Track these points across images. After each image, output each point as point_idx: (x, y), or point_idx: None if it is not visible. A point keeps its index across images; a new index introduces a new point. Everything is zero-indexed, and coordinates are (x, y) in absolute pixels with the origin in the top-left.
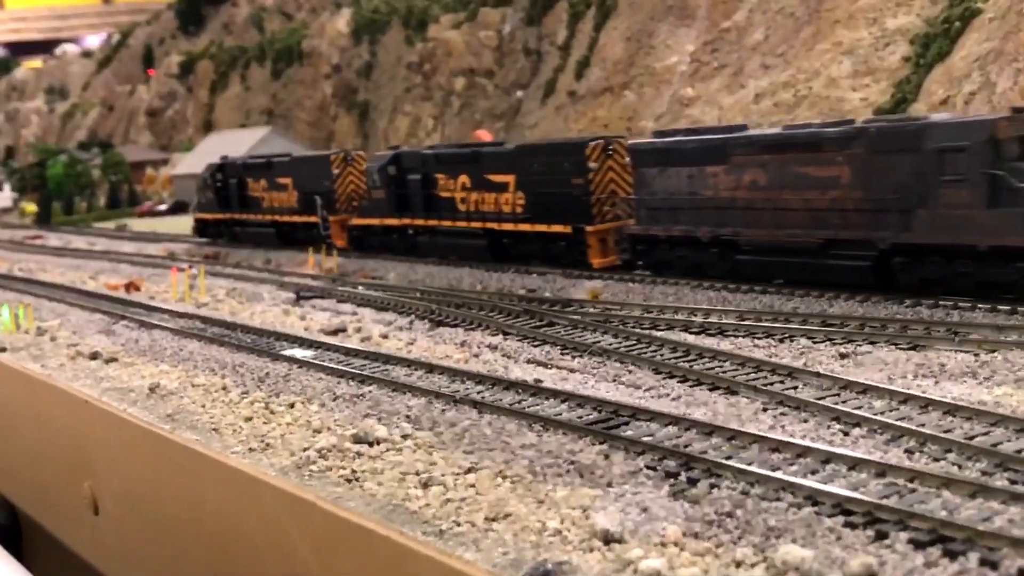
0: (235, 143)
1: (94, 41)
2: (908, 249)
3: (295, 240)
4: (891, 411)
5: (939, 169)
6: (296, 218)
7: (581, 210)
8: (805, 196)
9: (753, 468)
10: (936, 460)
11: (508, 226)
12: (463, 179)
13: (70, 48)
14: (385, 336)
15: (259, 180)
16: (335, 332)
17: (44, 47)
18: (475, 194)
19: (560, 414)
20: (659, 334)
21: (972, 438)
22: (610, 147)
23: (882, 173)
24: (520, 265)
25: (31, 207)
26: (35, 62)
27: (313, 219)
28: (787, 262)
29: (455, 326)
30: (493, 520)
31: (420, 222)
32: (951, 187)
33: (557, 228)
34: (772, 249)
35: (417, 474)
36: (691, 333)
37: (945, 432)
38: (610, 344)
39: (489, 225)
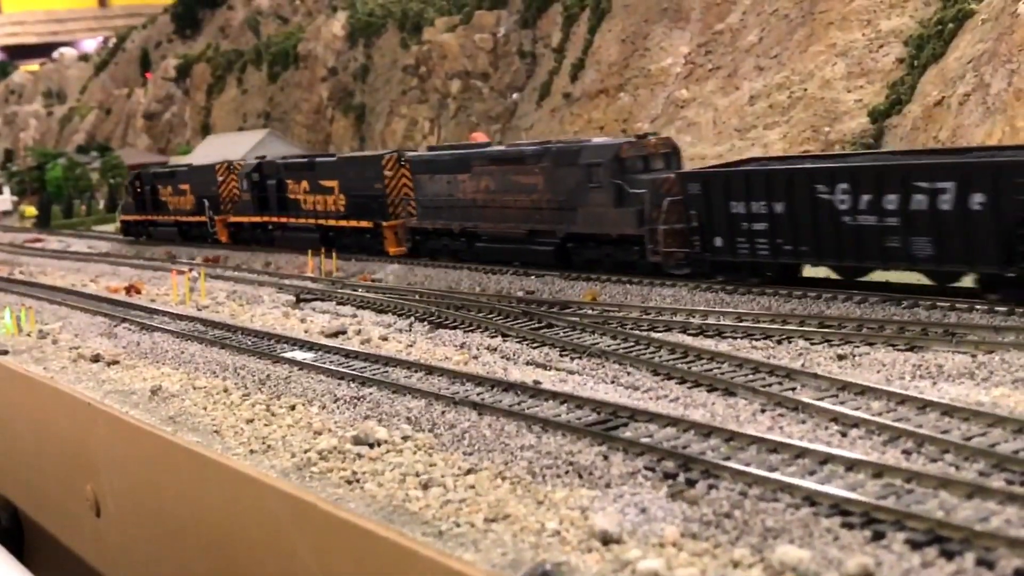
0: (232, 146)
1: (91, 45)
2: (575, 237)
3: (192, 236)
4: (889, 412)
5: (589, 179)
6: (193, 218)
7: (381, 209)
8: (517, 198)
9: (751, 469)
10: (933, 461)
11: (332, 222)
12: (304, 184)
13: (67, 52)
14: (385, 338)
15: (166, 187)
16: (335, 334)
17: (41, 51)
18: (312, 196)
19: (559, 415)
20: (657, 335)
21: (969, 439)
22: (402, 159)
23: (560, 181)
24: (517, 267)
25: (31, 210)
26: (33, 66)
27: (203, 219)
28: (507, 247)
29: (454, 328)
30: (492, 521)
31: (275, 219)
32: (595, 192)
33: (364, 223)
34: (497, 238)
35: (417, 475)
36: (689, 334)
37: (943, 433)
38: (609, 346)
39: (320, 222)
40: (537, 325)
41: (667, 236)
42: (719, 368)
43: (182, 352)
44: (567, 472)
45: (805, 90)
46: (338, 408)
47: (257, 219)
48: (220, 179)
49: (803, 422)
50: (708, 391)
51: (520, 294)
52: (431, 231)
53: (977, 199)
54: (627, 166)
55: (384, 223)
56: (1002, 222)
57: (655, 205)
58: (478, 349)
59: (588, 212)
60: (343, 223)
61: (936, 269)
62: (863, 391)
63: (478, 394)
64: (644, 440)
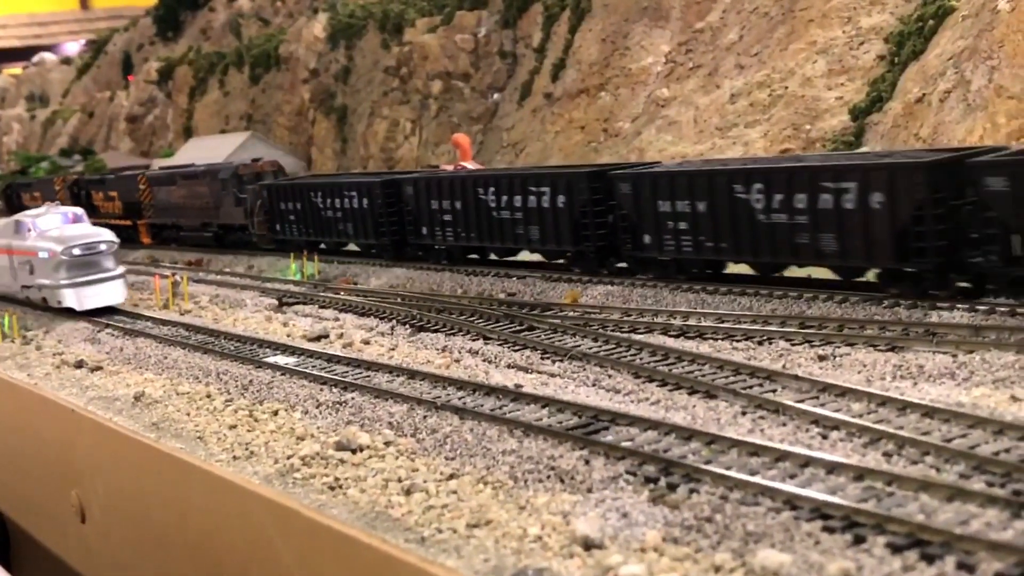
0: (215, 148)
1: (73, 48)
2: (221, 227)
3: (121, 238)
4: (869, 414)
5: (223, 188)
6: (121, 221)
7: (138, 211)
8: (196, 202)
9: (732, 473)
10: (914, 463)
11: (114, 221)
12: (100, 194)
13: (48, 55)
14: (367, 342)
15: (99, 193)
16: (317, 338)
17: (23, 54)
18: (104, 202)
19: (540, 419)
20: (638, 337)
21: (950, 440)
22: (138, 176)
23: (212, 190)
24: (500, 269)
25: None
26: (15, 69)
27: (130, 222)
28: (194, 235)
29: (436, 331)
30: (475, 526)
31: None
32: (225, 197)
33: (127, 222)
34: (189, 229)
35: (399, 481)
36: (670, 336)
37: (923, 435)
38: (590, 348)
39: (111, 221)
40: (519, 328)
41: (259, 225)
42: (700, 370)
43: (165, 357)
44: (549, 477)
45: (786, 88)
46: (320, 413)
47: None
48: (142, 187)
49: (784, 424)
50: (689, 393)
51: (502, 296)
52: (160, 226)
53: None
54: (243, 180)
55: (139, 221)
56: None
57: (253, 204)
58: (460, 352)
59: (223, 210)
60: (119, 221)
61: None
62: (844, 392)
63: (460, 398)
64: (625, 444)
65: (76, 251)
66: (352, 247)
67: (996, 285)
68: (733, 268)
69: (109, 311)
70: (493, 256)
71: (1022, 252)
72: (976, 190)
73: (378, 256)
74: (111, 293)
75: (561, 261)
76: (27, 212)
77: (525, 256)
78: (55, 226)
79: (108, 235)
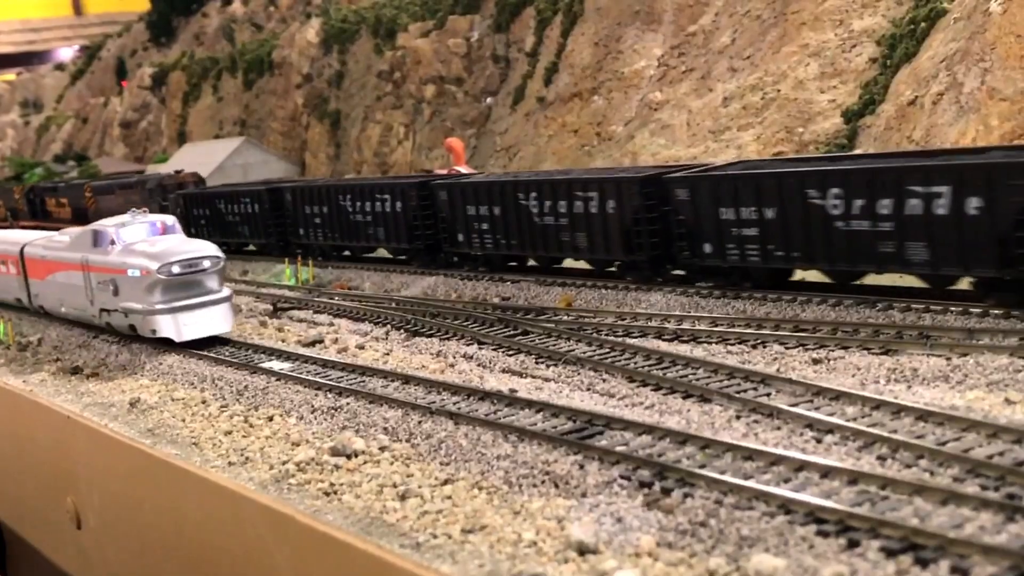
0: (209, 154)
1: (67, 53)
2: None
3: None
4: (863, 417)
5: (151, 196)
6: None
7: (84, 216)
8: (129, 207)
9: (726, 477)
10: (908, 467)
11: (63, 225)
12: (52, 200)
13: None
14: (361, 347)
15: (51, 199)
16: (312, 344)
17: (17, 60)
18: (55, 208)
19: (535, 424)
20: (632, 341)
21: (944, 444)
22: (84, 185)
23: (145, 196)
24: (494, 273)
25: None
26: (9, 75)
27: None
28: None
29: (430, 336)
30: (469, 532)
31: (42, 224)
32: (152, 203)
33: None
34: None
35: (394, 486)
36: (664, 340)
37: (917, 438)
38: (584, 352)
39: (55, 224)
40: (513, 332)
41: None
42: (694, 374)
43: (160, 363)
44: (543, 482)
45: (778, 91)
46: (315, 419)
47: (37, 223)
48: (87, 195)
49: (778, 428)
50: (683, 397)
51: (496, 300)
52: None
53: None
54: (166, 189)
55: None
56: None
57: (174, 211)
58: (454, 357)
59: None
60: (69, 225)
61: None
62: (838, 396)
63: (455, 403)
64: (619, 448)
65: (175, 269)
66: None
67: None
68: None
69: (211, 341)
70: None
71: None
72: None
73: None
74: (216, 321)
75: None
76: (107, 221)
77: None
78: (143, 238)
79: (211, 249)
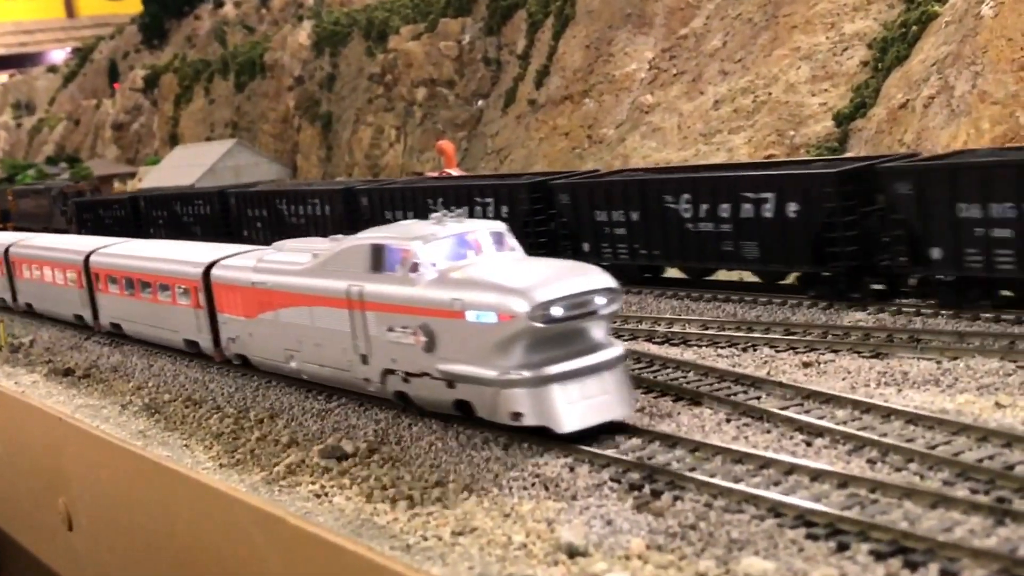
0: (201, 156)
1: (59, 55)
2: (55, 230)
3: None
4: (854, 420)
5: (54, 202)
6: None
7: (9, 216)
8: (43, 213)
9: (716, 480)
10: (898, 470)
11: None
12: None
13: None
14: None
15: None
16: None
17: (9, 62)
18: None
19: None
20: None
21: (934, 447)
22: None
23: (50, 203)
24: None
25: None
26: (1, 77)
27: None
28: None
29: None
30: (459, 534)
31: None
32: (55, 208)
33: (3, 226)
34: (34, 231)
35: (384, 489)
36: (655, 343)
37: (907, 441)
38: None
39: None
40: None
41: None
42: (684, 377)
43: (151, 365)
44: (533, 484)
45: (769, 94)
46: (306, 421)
47: None
48: (10, 198)
49: (768, 431)
50: (674, 400)
51: None
52: (24, 228)
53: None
54: (67, 196)
55: (8, 224)
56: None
57: (71, 214)
58: None
59: (54, 218)
60: None
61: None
62: (828, 399)
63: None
64: (609, 451)
65: (556, 312)
66: None
67: None
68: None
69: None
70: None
71: None
72: None
73: None
74: (612, 395)
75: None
76: (398, 229)
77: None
78: (467, 256)
79: (601, 277)
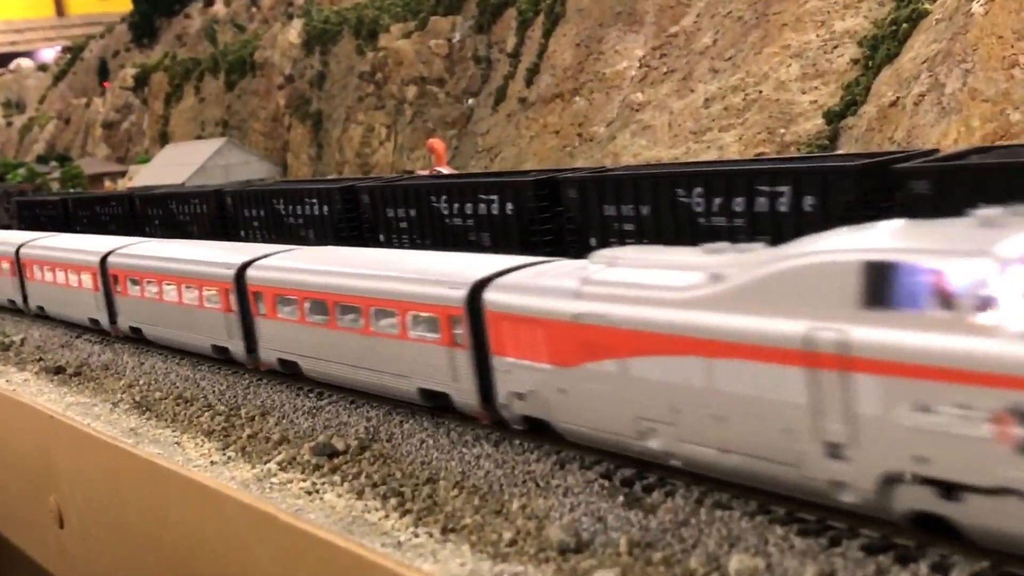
0: (191, 154)
1: (49, 54)
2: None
3: None
4: None
5: (1, 202)
6: None
7: None
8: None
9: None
10: None
11: None
12: None
13: (24, 62)
14: None
15: None
16: None
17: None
18: None
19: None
20: None
21: None
22: None
23: (6, 208)
24: None
25: None
26: None
27: None
28: None
29: None
30: (450, 531)
31: None
32: (3, 210)
33: None
34: None
35: (375, 486)
36: None
37: None
38: None
39: None
40: None
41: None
42: None
43: (142, 363)
44: (524, 481)
45: (760, 92)
46: (297, 419)
47: None
48: None
49: None
50: None
51: None
52: None
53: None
54: (11, 195)
55: None
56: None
57: (13, 212)
58: None
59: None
60: None
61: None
62: None
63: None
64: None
65: None
66: None
67: None
68: None
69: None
70: None
71: None
72: None
73: None
74: None
75: None
76: (891, 231)
77: None
78: None
79: None
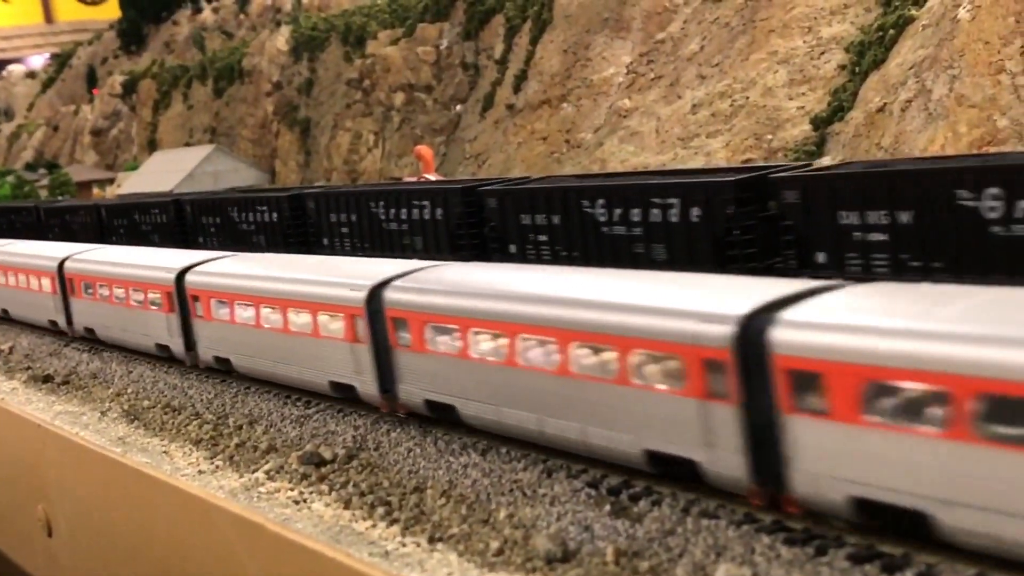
0: (179, 161)
1: (38, 61)
2: None
3: None
4: None
5: None
6: None
7: None
8: None
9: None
10: None
11: None
12: None
13: (14, 68)
14: None
15: None
16: None
17: None
18: None
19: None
20: None
21: None
22: None
23: None
24: None
25: None
26: None
27: None
28: None
29: None
30: (438, 540)
31: None
32: None
33: None
34: None
35: (363, 495)
36: None
37: None
38: None
39: None
40: None
41: None
42: None
43: (130, 372)
44: (511, 490)
45: (747, 98)
46: (285, 428)
47: None
48: None
49: None
50: None
51: None
52: None
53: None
54: None
55: None
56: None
57: None
58: None
59: None
60: None
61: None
62: None
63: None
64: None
65: None
66: None
67: None
68: None
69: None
70: None
71: None
72: None
73: None
74: None
75: None
76: None
77: None
78: None
79: None
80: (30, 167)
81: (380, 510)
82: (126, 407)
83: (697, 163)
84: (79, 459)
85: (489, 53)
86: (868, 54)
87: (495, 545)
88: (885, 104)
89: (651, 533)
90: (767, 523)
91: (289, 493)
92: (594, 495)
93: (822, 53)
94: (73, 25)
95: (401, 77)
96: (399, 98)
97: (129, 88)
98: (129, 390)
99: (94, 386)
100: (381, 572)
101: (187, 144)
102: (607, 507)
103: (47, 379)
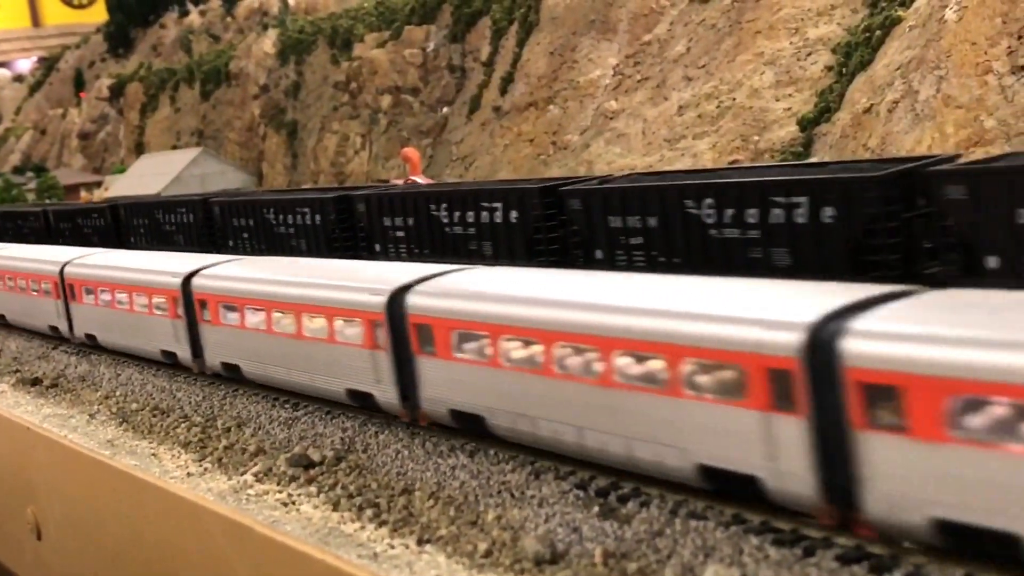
0: (167, 165)
1: (25, 65)
2: None
3: None
4: None
5: None
6: None
7: None
8: None
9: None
10: None
11: None
12: None
13: (1, 72)
14: None
15: None
16: None
17: None
18: None
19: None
20: None
21: None
22: None
23: None
24: None
25: None
26: None
27: None
28: None
29: None
30: (426, 542)
31: None
32: None
33: None
34: None
35: (351, 497)
36: None
37: None
38: None
39: None
40: None
41: None
42: None
43: (119, 375)
44: (499, 492)
45: (734, 99)
46: (273, 430)
47: None
48: None
49: None
50: None
51: None
52: None
53: None
54: None
55: None
56: None
57: None
58: None
59: None
60: None
61: None
62: None
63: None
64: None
65: None
66: None
67: None
68: None
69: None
70: None
71: None
72: None
73: None
74: None
75: None
76: None
77: None
78: None
79: None
80: (18, 171)
81: (368, 512)
82: (115, 410)
83: (684, 165)
84: (68, 462)
85: (476, 55)
86: (855, 55)
87: (483, 547)
88: (872, 105)
89: (639, 534)
90: (755, 524)
91: (278, 495)
92: (582, 497)
93: (809, 54)
94: (60, 29)
95: (388, 80)
96: (386, 100)
97: (116, 91)
98: (118, 393)
99: (83, 389)
100: (369, 574)
101: (174, 147)
102: (595, 508)
103: (35, 382)
